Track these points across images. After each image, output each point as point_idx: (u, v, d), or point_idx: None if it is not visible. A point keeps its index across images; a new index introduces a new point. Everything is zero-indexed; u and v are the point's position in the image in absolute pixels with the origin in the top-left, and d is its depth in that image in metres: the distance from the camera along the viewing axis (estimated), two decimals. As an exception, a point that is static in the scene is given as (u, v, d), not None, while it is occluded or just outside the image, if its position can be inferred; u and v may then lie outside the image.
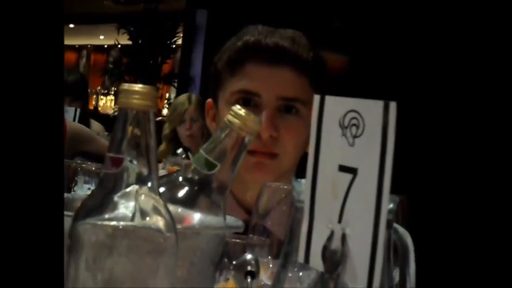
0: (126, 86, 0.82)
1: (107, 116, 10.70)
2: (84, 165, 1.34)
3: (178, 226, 0.82)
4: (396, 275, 1.02)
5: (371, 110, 0.78)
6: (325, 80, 1.78)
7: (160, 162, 4.17)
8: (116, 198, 0.80)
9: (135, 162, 0.81)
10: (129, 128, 0.81)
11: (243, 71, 1.71)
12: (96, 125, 4.68)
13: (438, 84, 5.24)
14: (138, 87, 0.81)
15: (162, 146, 4.91)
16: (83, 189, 1.29)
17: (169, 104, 10.81)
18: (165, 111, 10.99)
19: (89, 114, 4.75)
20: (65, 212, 0.85)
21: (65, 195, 1.09)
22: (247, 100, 1.68)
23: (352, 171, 0.79)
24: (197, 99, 4.88)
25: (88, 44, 15.24)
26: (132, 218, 0.79)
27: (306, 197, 0.84)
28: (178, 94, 9.41)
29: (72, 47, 15.48)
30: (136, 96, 0.81)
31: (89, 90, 13.89)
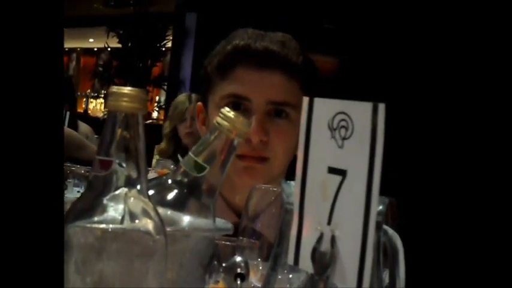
0: (115, 88, 0.82)
1: (96, 118, 10.68)
2: (73, 168, 1.34)
3: (168, 228, 0.82)
4: (386, 276, 1.02)
5: (360, 111, 0.78)
6: (315, 83, 1.77)
7: (150, 166, 4.18)
8: (105, 201, 0.80)
9: (124, 165, 0.81)
10: (118, 131, 0.81)
11: (232, 75, 1.71)
12: (84, 126, 4.67)
13: (428, 85, 5.25)
14: (127, 89, 0.81)
15: (163, 144, 4.95)
16: (73, 192, 1.29)
17: (159, 107, 10.83)
18: (155, 114, 11.00)
19: (76, 117, 4.74)
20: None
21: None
22: (237, 104, 1.68)
23: (342, 173, 0.79)
24: (197, 98, 4.93)
25: (78, 47, 15.22)
26: (122, 221, 0.79)
27: (295, 199, 0.84)
28: (168, 97, 9.44)
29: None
30: (125, 99, 0.81)
31: (78, 93, 13.92)
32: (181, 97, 5.13)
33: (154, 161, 4.59)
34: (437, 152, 5.06)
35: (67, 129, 3.55)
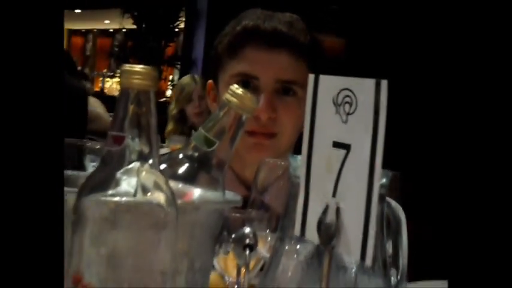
0: (127, 66, 0.82)
1: (113, 97, 10.68)
2: (89, 143, 1.34)
3: (179, 201, 0.82)
4: (389, 247, 1.03)
5: (363, 88, 0.78)
6: (322, 62, 1.78)
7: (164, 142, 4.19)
8: (118, 174, 0.80)
9: (136, 140, 0.81)
10: (131, 107, 0.81)
11: (242, 55, 1.72)
12: (93, 100, 4.60)
13: (432, 63, 5.23)
14: (138, 67, 0.81)
15: (170, 126, 4.95)
16: (89, 167, 1.29)
17: (173, 85, 10.82)
18: (169, 93, 11.00)
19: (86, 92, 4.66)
20: (70, 189, 0.85)
21: (71, 172, 1.09)
22: (246, 82, 1.68)
23: (346, 147, 0.79)
24: (201, 79, 4.94)
25: (94, 29, 15.21)
26: (134, 194, 0.79)
27: (301, 173, 0.85)
28: (181, 75, 9.44)
29: (78, 32, 15.46)
30: (137, 77, 0.81)
31: (95, 73, 13.89)
32: (186, 79, 5.14)
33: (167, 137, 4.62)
34: (441, 129, 5.06)
35: None
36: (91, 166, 1.29)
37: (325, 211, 0.81)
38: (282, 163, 1.28)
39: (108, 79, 13.80)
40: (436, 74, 5.22)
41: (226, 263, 1.25)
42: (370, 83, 0.77)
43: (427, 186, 4.67)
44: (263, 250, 1.22)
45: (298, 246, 0.92)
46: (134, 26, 10.53)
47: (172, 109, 5.00)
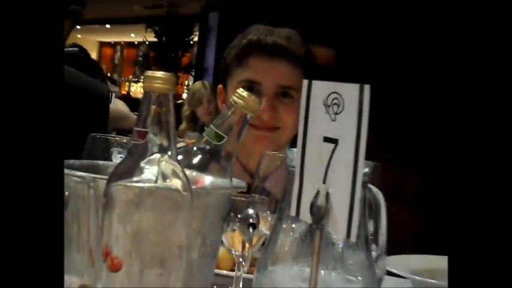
0: (149, 73, 0.81)
1: (137, 99, 10.67)
2: (117, 138, 1.34)
3: (193, 187, 0.82)
4: (371, 226, 1.03)
5: (349, 91, 0.78)
6: (315, 70, 1.78)
7: (180, 137, 4.18)
8: (142, 164, 0.80)
9: (157, 135, 0.81)
10: (152, 107, 0.80)
11: (247, 64, 1.72)
12: (119, 103, 4.52)
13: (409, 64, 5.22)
14: (159, 74, 0.81)
15: (183, 125, 4.96)
16: (116, 158, 1.29)
17: (187, 89, 10.82)
18: (184, 95, 10.99)
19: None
20: (101, 176, 0.85)
21: (101, 162, 1.09)
22: (251, 87, 1.68)
23: (334, 141, 0.79)
24: (210, 84, 4.96)
25: (121, 41, 15.19)
26: (155, 181, 0.79)
27: (296, 163, 0.84)
28: (195, 81, 9.44)
29: (108, 44, 15.44)
30: (158, 81, 0.81)
31: (122, 79, 13.83)
32: (197, 85, 5.15)
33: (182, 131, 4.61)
34: (419, 131, 5.05)
35: (113, 106, 3.51)
36: (118, 157, 1.29)
37: (316, 195, 0.81)
38: (280, 155, 1.29)
39: (133, 84, 13.79)
40: (416, 82, 5.21)
41: (233, 239, 1.25)
42: (355, 87, 0.77)
43: (405, 175, 4.66)
44: (264, 228, 1.22)
45: (293, 225, 0.92)
46: (155, 39, 10.54)
47: (185, 110, 5.00)
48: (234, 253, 1.27)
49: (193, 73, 9.97)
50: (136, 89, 13.46)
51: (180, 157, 0.96)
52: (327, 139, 0.80)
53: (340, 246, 0.89)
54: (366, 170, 0.87)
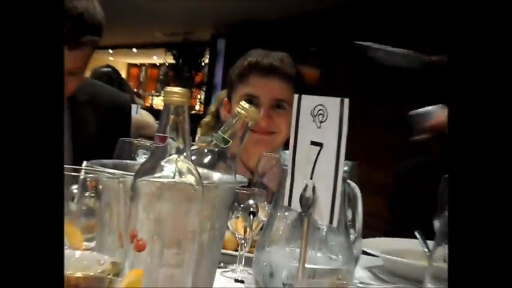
0: (168, 88, 0.81)
1: (158, 110, 10.67)
2: (142, 142, 1.34)
3: (204, 182, 0.82)
4: (349, 214, 1.03)
5: (332, 104, 0.78)
6: (304, 86, 1.79)
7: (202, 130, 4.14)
8: (162, 163, 0.79)
9: (175, 139, 0.81)
10: (171, 117, 0.80)
11: (248, 81, 1.73)
12: (144, 113, 4.41)
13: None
14: (177, 89, 0.81)
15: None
16: (141, 158, 1.29)
17: (200, 102, 10.85)
18: (197, 107, 10.99)
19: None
20: (128, 173, 0.85)
21: (128, 161, 1.08)
22: (250, 100, 1.69)
23: (319, 145, 0.79)
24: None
25: (146, 63, 15.20)
26: (173, 176, 0.79)
27: (288, 163, 0.84)
28: (206, 96, 9.44)
29: (135, 65, 15.45)
30: (176, 96, 0.80)
31: (146, 93, 13.82)
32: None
33: (197, 137, 4.53)
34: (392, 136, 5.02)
35: (138, 116, 3.50)
36: (143, 157, 1.29)
37: (305, 189, 0.81)
38: (275, 156, 1.29)
39: (155, 97, 13.78)
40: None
41: (236, 224, 1.25)
42: (336, 100, 0.77)
43: (377, 171, 4.65)
44: (262, 216, 1.22)
45: (286, 213, 0.92)
46: (174, 61, 10.56)
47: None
48: (237, 236, 1.27)
49: (204, 89, 10.00)
50: (158, 102, 13.45)
51: (193, 157, 0.96)
52: (313, 143, 0.80)
53: (324, 230, 0.89)
54: (346, 168, 0.87)
